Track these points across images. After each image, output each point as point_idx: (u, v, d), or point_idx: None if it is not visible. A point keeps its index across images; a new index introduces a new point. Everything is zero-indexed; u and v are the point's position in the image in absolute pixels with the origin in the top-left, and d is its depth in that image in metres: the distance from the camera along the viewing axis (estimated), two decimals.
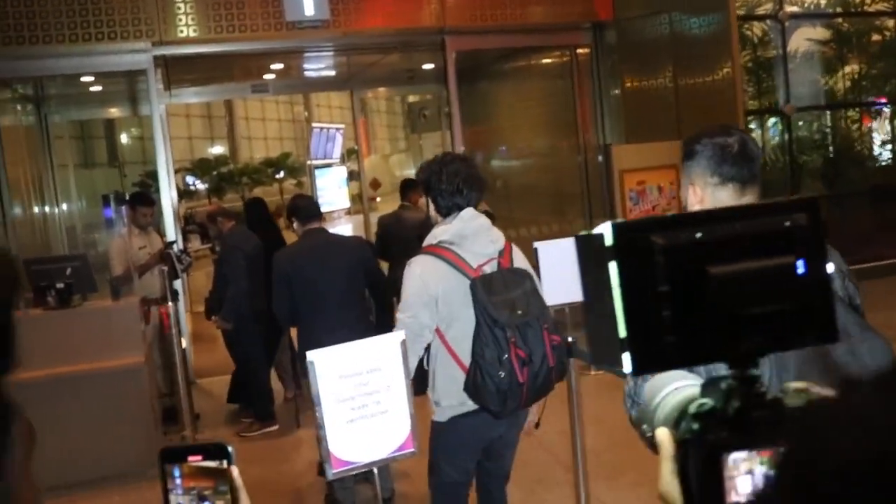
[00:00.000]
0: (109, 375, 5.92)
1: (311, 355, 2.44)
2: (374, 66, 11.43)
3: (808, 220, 0.91)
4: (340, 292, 5.24)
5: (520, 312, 3.47)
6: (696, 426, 0.91)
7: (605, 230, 0.87)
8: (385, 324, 5.80)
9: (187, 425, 6.61)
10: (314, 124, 34.79)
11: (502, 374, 3.39)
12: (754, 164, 2.31)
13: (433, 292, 3.51)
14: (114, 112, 13.21)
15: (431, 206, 3.71)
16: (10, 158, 8.74)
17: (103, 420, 5.88)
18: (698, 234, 0.87)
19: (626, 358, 0.87)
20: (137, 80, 10.07)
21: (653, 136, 8.73)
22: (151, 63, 7.96)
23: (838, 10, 11.30)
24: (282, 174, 33.06)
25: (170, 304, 6.49)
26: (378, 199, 26.20)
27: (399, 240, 7.04)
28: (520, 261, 3.73)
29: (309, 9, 7.75)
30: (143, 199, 7.63)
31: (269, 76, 11.47)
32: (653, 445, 1.00)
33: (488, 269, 3.58)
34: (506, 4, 8.63)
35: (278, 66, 10.87)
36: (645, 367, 0.90)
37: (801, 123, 10.99)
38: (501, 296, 3.48)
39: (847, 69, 11.43)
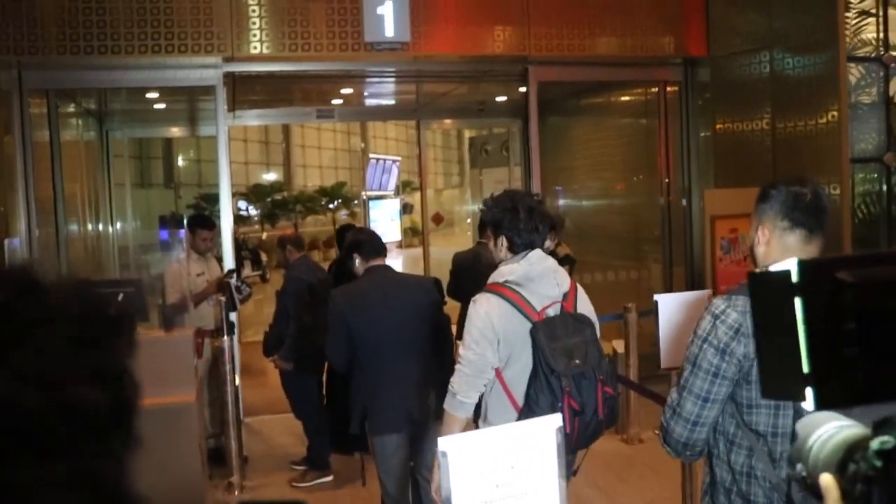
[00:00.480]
0: (157, 413, 5.41)
1: (444, 444, 1.87)
2: (444, 97, 10.98)
3: None
4: (405, 339, 4.72)
5: (577, 362, 3.46)
6: (879, 463, 0.90)
7: (791, 266, 0.91)
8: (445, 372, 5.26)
9: (235, 470, 6.09)
10: (371, 155, 34.67)
11: None
12: (823, 215, 2.52)
13: (497, 331, 3.48)
14: (175, 131, 12.87)
15: (501, 244, 3.66)
16: (69, 174, 8.38)
17: (147, 462, 5.36)
18: (874, 274, 0.89)
19: (810, 393, 0.89)
20: (201, 98, 9.73)
21: (744, 181, 8.11)
22: (220, 80, 7.56)
23: None
24: (335, 204, 32.81)
25: (225, 337, 6.01)
26: (429, 234, 25.70)
27: (475, 279, 6.53)
28: (584, 305, 3.69)
29: (389, 30, 7.29)
30: (204, 221, 7.20)
31: (335, 101, 11.08)
32: (807, 486, 1.03)
33: (552, 311, 3.56)
34: (592, 34, 8.10)
35: (347, 90, 10.45)
36: (829, 402, 0.91)
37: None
38: (561, 342, 3.48)
39: None
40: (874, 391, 0.90)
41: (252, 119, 11.86)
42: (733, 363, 2.44)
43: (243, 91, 9.39)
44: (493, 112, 12.09)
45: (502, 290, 3.54)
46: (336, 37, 7.41)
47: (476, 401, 3.54)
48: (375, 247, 4.90)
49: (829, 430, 1.02)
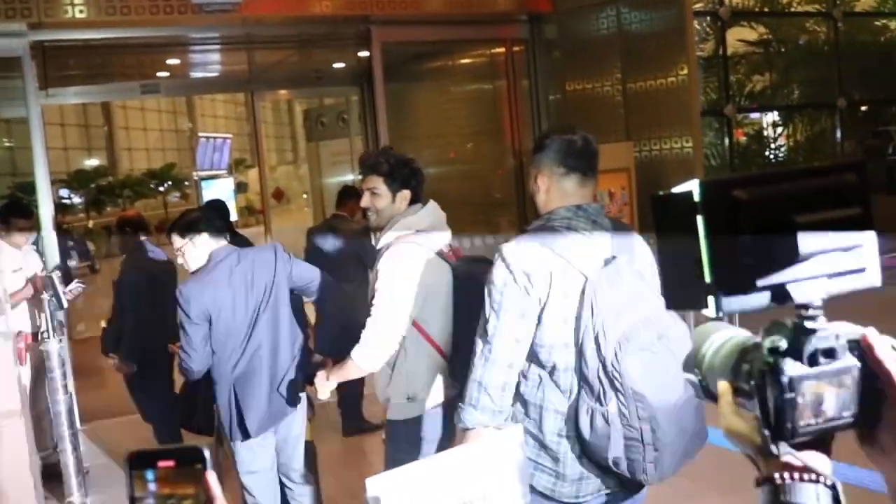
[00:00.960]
0: None
1: (375, 487, 1.41)
2: (279, 66, 10.35)
3: (858, 178, 1.04)
4: (271, 324, 4.18)
5: None
6: (771, 359, 1.00)
7: (693, 187, 0.99)
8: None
9: (73, 488, 5.43)
10: (200, 134, 33.34)
11: None
12: (594, 159, 2.74)
13: (424, 280, 3.43)
14: None
15: (402, 199, 3.55)
16: None
17: None
18: (763, 191, 0.99)
19: (711, 300, 0.99)
20: (7, 74, 8.74)
21: (598, 139, 7.96)
22: (27, 50, 6.71)
23: (765, 9, 10.90)
24: (165, 186, 31.35)
25: (52, 339, 5.30)
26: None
27: (332, 253, 6.06)
28: None
29: None
30: (20, 210, 6.37)
31: (161, 74, 10.25)
32: (703, 390, 1.15)
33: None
34: None
35: (173, 61, 9.66)
36: (728, 307, 1.00)
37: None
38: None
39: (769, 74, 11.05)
40: (763, 296, 1.01)
41: (69, 97, 10.80)
42: (535, 302, 2.56)
43: (56, 65, 8.48)
44: (330, 80, 11.51)
45: (419, 240, 3.47)
46: None
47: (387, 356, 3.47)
48: (224, 224, 4.34)
49: (721, 337, 1.13)
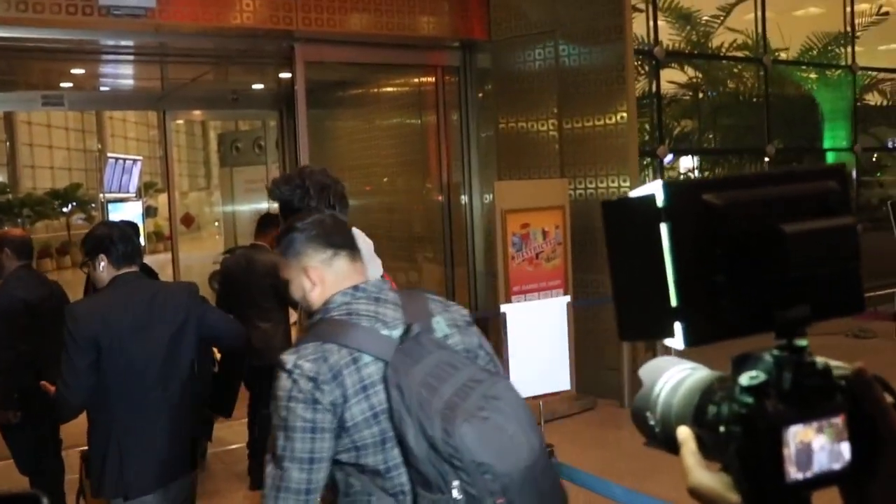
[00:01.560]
0: None
1: None
2: (193, 85, 9.77)
3: (839, 185, 0.90)
4: (170, 369, 3.69)
5: None
6: (750, 399, 0.82)
7: (655, 190, 0.81)
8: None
9: None
10: (109, 154, 32.18)
11: None
12: (350, 233, 2.50)
13: None
14: None
15: None
16: None
17: None
18: (742, 196, 0.83)
19: (679, 328, 0.81)
20: None
21: (531, 175, 7.64)
22: None
23: (696, 51, 10.82)
24: (70, 207, 30.05)
25: None
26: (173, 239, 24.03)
27: (248, 288, 5.54)
28: None
29: None
30: None
31: (65, 84, 9.57)
32: (657, 439, 0.97)
33: None
34: (365, 9, 7.28)
35: (78, 70, 8.99)
36: (699, 337, 0.82)
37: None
38: None
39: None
40: (743, 324, 0.84)
41: None
42: (327, 412, 2.21)
43: None
44: (248, 102, 10.99)
45: None
46: None
47: None
48: (133, 249, 3.74)
49: (675, 374, 0.96)
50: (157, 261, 20.96)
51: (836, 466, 0.83)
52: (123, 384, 3.56)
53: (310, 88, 7.79)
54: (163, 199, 32.96)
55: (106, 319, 3.54)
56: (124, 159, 32.04)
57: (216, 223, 26.48)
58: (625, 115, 7.22)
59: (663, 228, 0.81)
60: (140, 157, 34.59)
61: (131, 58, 8.39)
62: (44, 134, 37.54)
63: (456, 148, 8.30)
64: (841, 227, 0.85)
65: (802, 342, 0.85)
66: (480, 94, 8.23)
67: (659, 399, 0.96)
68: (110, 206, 26.29)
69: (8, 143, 34.80)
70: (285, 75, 9.06)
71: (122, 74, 9.81)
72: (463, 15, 7.77)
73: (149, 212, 30.95)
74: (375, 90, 9.92)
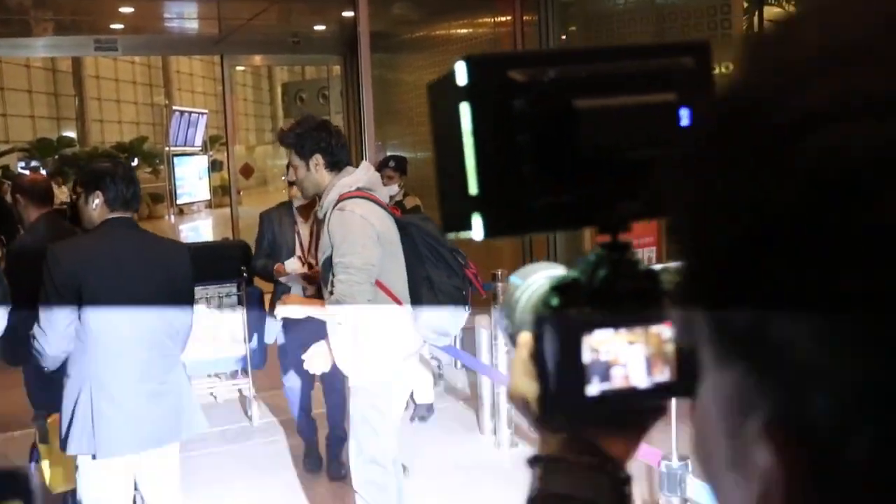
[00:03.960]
0: None
1: None
2: (252, 27, 9.17)
3: (696, 64, 0.77)
4: (152, 324, 3.46)
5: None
6: (555, 301, 0.78)
7: (458, 67, 0.73)
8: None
9: None
10: (175, 107, 32.08)
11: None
12: None
13: (378, 231, 3.51)
14: None
15: (316, 165, 3.63)
16: None
17: None
18: (552, 74, 0.72)
19: (478, 220, 0.72)
20: None
21: None
22: None
23: None
24: (136, 161, 30.03)
25: None
26: (241, 193, 23.81)
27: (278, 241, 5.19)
28: None
29: None
30: None
31: (115, 26, 9.04)
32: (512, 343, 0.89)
33: None
34: None
35: (127, 9, 8.43)
36: (499, 229, 0.75)
37: None
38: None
39: None
40: (554, 217, 0.75)
41: (12, 49, 9.63)
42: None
43: None
44: (309, 47, 10.38)
45: (364, 195, 3.56)
46: None
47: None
48: (133, 193, 3.49)
49: (541, 277, 0.87)
50: (223, 214, 20.77)
51: (657, 381, 0.73)
52: (101, 337, 3.34)
53: (374, 31, 7.09)
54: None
55: (89, 264, 3.33)
56: (190, 112, 31.93)
57: (283, 177, 26.29)
58: (731, 65, 6.35)
59: (464, 108, 0.71)
60: (206, 111, 34.52)
61: None
62: (112, 88, 37.72)
63: None
64: (659, 107, 0.73)
65: (627, 239, 0.77)
66: (563, 36, 7.42)
67: (517, 305, 0.88)
68: (175, 160, 26.29)
69: (77, 98, 35.04)
70: (348, 14, 8.42)
71: (177, 16, 9.26)
72: None
73: (214, 165, 30.88)
74: (446, 31, 9.18)
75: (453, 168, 0.73)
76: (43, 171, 26.12)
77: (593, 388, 0.72)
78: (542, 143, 0.72)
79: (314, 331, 4.71)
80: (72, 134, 32.89)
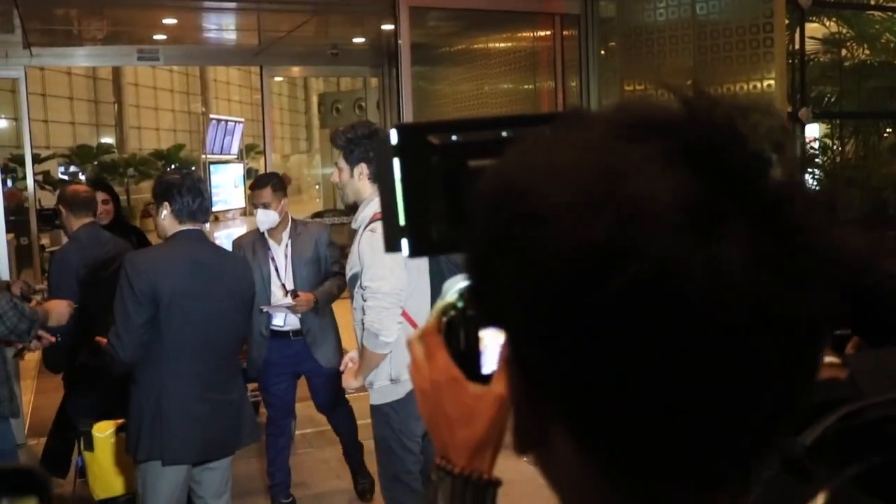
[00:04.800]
0: None
1: None
2: (291, 38, 9.21)
3: None
4: (219, 337, 3.56)
5: None
6: (461, 304, 0.96)
7: (391, 131, 0.98)
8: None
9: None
10: (212, 115, 32.33)
11: None
12: None
13: (406, 258, 2.52)
14: None
15: (360, 174, 3.60)
16: None
17: None
18: (455, 137, 0.99)
19: (405, 243, 0.98)
20: None
21: None
22: None
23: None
24: (172, 168, 30.31)
25: None
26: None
27: None
28: None
29: None
30: None
31: (159, 36, 9.13)
32: None
33: None
34: None
35: (170, 21, 8.51)
36: (420, 251, 1.00)
37: None
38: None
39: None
40: (452, 243, 0.96)
41: (58, 58, 9.76)
42: None
43: (37, 17, 7.40)
44: (348, 58, 10.40)
45: None
46: None
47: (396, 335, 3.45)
48: (201, 206, 3.55)
49: (454, 290, 1.03)
50: (254, 222, 20.86)
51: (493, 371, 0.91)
52: (173, 346, 3.42)
53: (414, 44, 7.11)
54: (263, 161, 33.14)
55: (166, 274, 3.39)
56: (226, 121, 32.16)
57: (317, 186, 26.37)
58: (772, 82, 6.28)
59: (395, 162, 0.97)
60: (242, 119, 34.73)
61: (228, 4, 7.85)
62: (150, 96, 38.11)
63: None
64: None
65: None
66: (603, 52, 7.36)
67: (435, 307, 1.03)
68: (212, 167, 26.45)
69: (116, 105, 35.44)
70: (388, 27, 8.45)
71: (218, 27, 9.34)
72: None
73: (249, 173, 31.05)
74: (484, 44, 9.16)
75: (388, 203, 0.96)
76: (82, 177, 26.48)
77: (486, 371, 0.91)
78: (447, 189, 0.95)
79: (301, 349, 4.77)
80: (110, 140, 33.24)
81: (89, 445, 3.77)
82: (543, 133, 0.66)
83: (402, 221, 0.97)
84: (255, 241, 4.88)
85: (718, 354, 0.55)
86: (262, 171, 28.76)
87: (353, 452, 5.10)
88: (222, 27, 9.40)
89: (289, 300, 4.65)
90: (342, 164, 3.65)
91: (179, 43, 9.78)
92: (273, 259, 4.81)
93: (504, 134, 0.98)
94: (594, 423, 0.60)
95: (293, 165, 35.35)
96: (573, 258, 0.56)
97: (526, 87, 8.59)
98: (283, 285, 4.74)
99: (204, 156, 28.70)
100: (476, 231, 0.66)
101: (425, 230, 0.97)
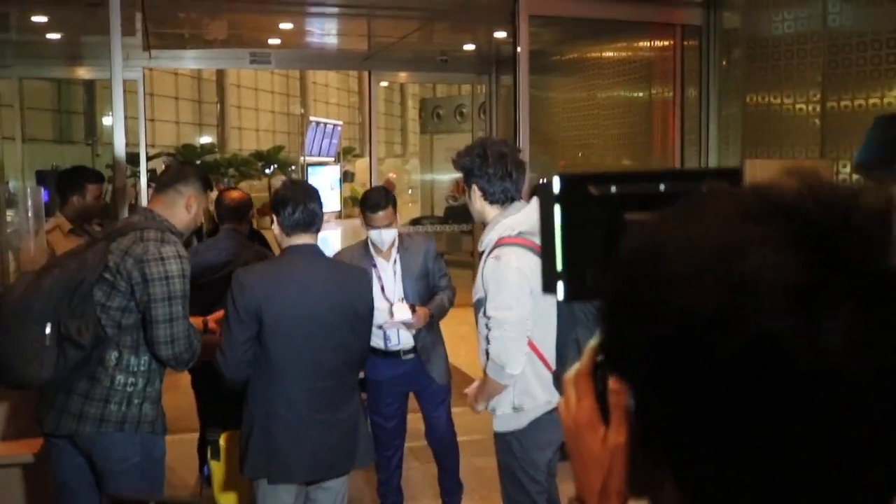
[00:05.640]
0: None
1: None
2: (401, 44, 9.21)
3: (730, 184, 1.02)
4: (330, 356, 3.46)
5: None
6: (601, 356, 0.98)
7: (554, 180, 1.03)
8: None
9: None
10: (312, 118, 32.82)
11: None
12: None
13: (532, 286, 3.36)
14: (80, 72, 10.77)
15: (475, 195, 3.54)
16: None
17: None
18: (614, 189, 1.04)
19: (560, 287, 1.04)
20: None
21: (787, 156, 6.53)
22: None
23: None
24: (272, 169, 30.84)
25: None
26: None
27: None
28: None
29: None
30: (87, 175, 5.43)
31: (273, 41, 9.24)
32: None
33: None
34: None
35: (286, 25, 8.59)
36: (573, 296, 1.05)
37: None
38: None
39: None
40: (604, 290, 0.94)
41: (174, 61, 9.97)
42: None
43: (159, 21, 7.55)
44: (456, 65, 10.37)
45: (524, 242, 3.40)
46: None
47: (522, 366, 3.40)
48: (305, 216, 3.45)
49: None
50: (352, 225, 21.08)
51: None
52: (281, 365, 3.37)
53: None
54: (360, 164, 33.48)
55: (271, 293, 3.34)
56: (325, 123, 32.63)
57: (409, 190, 26.50)
58: None
59: (556, 209, 1.02)
60: (340, 122, 35.18)
61: (341, 10, 7.87)
62: (251, 97, 38.90)
63: (691, 122, 7.27)
64: None
65: None
66: (724, 62, 7.14)
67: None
68: (310, 169, 26.89)
69: (218, 105, 36.26)
70: (499, 34, 8.38)
71: (328, 32, 9.39)
72: None
73: (346, 176, 31.45)
74: (599, 53, 9.00)
75: (548, 247, 1.02)
76: None
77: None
78: (603, 238, 0.99)
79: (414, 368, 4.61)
80: (210, 139, 34.01)
81: (216, 454, 3.77)
82: (689, 201, 0.73)
83: (559, 266, 1.03)
84: (359, 257, 4.60)
85: (819, 425, 0.62)
86: (355, 172, 28.88)
87: (452, 492, 4.97)
88: (334, 32, 9.45)
89: (406, 316, 4.47)
90: (463, 185, 3.61)
91: (290, 47, 9.87)
92: (380, 276, 4.59)
93: (661, 187, 1.04)
94: (699, 475, 0.67)
95: (386, 169, 35.57)
96: (688, 322, 0.64)
97: (641, 96, 8.41)
98: (390, 302, 4.53)
99: (303, 158, 29.21)
100: (610, 284, 0.76)
101: (581, 275, 1.04)
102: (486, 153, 3.49)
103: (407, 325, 4.47)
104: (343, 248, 5.26)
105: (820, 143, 6.40)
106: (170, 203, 3.48)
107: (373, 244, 4.55)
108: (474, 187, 3.51)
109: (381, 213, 4.46)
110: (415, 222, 14.92)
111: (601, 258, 0.99)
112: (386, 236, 4.47)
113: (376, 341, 4.47)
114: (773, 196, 0.69)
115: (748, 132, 6.88)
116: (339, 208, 29.31)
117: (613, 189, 1.03)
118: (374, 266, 4.55)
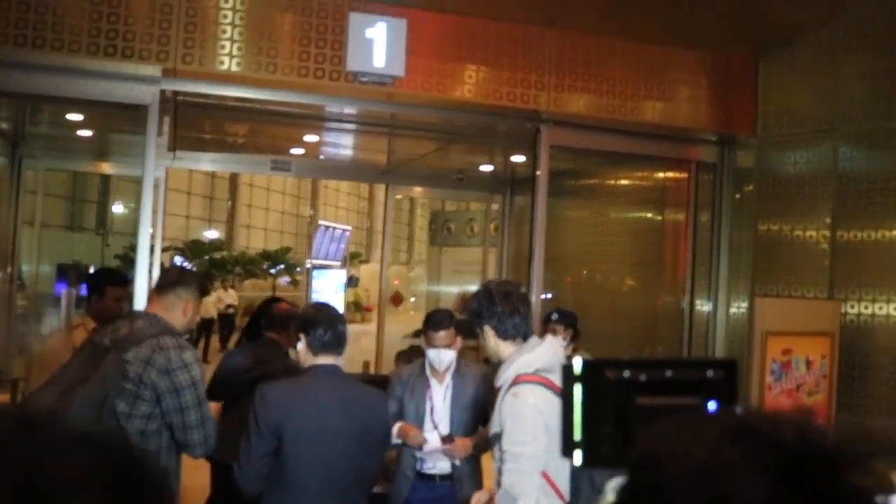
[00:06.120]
0: None
1: None
2: (419, 161, 9.43)
3: (724, 375, 1.32)
4: (346, 478, 3.49)
5: None
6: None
7: (576, 361, 1.27)
8: None
9: None
10: (321, 221, 33.18)
11: None
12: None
13: (547, 421, 3.41)
14: (103, 166, 11.00)
15: (488, 335, 3.63)
16: None
17: None
18: (627, 373, 1.27)
19: (577, 454, 1.22)
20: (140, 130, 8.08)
21: (796, 292, 6.63)
22: (156, 99, 5.86)
23: None
24: (277, 269, 31.04)
25: None
26: (371, 311, 24.35)
27: None
28: None
29: (379, 59, 5.71)
30: (113, 277, 5.54)
31: (295, 150, 9.47)
32: None
33: None
34: (618, 95, 6.61)
35: (311, 138, 8.83)
36: (590, 463, 1.24)
37: None
38: None
39: None
40: (617, 459, 1.12)
41: (196, 162, 10.17)
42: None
43: (187, 125, 7.77)
44: (471, 183, 10.58)
45: (542, 380, 3.48)
46: (311, 59, 5.80)
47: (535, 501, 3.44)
48: (333, 337, 3.57)
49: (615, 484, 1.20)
50: (353, 331, 21.09)
51: None
52: (295, 480, 3.38)
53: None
54: (364, 269, 33.68)
55: (293, 410, 3.39)
56: (335, 227, 32.97)
57: (412, 299, 26.55)
58: None
59: (577, 388, 1.23)
60: (349, 227, 35.53)
61: (363, 128, 8.10)
62: (262, 196, 39.42)
63: (702, 251, 7.42)
64: (690, 406, 1.27)
65: None
66: (737, 196, 7.33)
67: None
68: (315, 272, 26.99)
69: (230, 203, 36.69)
70: (517, 158, 8.58)
71: (349, 145, 9.62)
72: (726, 108, 6.96)
73: (350, 281, 31.59)
74: (614, 181, 9.22)
75: (568, 419, 1.15)
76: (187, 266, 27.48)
77: None
78: (617, 416, 1.13)
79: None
80: (220, 235, 34.30)
81: None
82: (689, 418, 0.88)
83: (577, 437, 1.19)
84: (416, 378, 4.73)
85: None
86: (360, 277, 28.87)
87: None
88: (355, 147, 9.69)
89: (446, 446, 4.49)
90: (477, 329, 3.71)
91: (311, 156, 10.10)
92: (431, 398, 4.67)
93: (668, 374, 1.22)
94: None
95: (391, 276, 35.68)
96: None
97: (653, 218, 8.58)
98: (437, 427, 4.59)
99: (309, 260, 29.39)
100: (626, 482, 0.90)
101: (596, 446, 1.19)
102: (492, 294, 3.64)
103: (446, 454, 4.51)
104: (402, 366, 5.37)
105: (829, 278, 6.52)
106: (170, 306, 3.63)
107: (430, 364, 4.63)
108: (486, 327, 3.62)
109: (442, 333, 4.59)
110: (417, 334, 14.94)
111: (614, 433, 1.19)
112: (444, 356, 4.56)
113: (412, 461, 4.58)
114: (758, 424, 0.83)
115: (758, 263, 7.01)
116: (342, 312, 29.28)
117: (626, 374, 1.23)
118: (429, 388, 4.67)
